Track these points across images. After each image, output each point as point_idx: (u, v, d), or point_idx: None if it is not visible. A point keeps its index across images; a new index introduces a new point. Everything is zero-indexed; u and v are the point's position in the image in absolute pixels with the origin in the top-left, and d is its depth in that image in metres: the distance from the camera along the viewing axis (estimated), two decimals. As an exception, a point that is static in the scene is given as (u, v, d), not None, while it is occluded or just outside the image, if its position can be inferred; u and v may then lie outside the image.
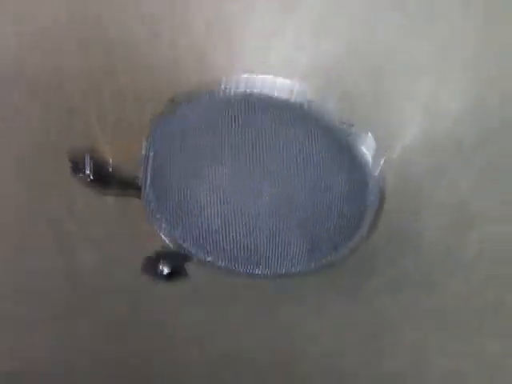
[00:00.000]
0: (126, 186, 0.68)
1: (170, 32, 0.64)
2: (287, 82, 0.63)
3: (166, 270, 0.69)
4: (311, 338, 0.94)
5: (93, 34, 0.66)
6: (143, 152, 0.66)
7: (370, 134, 0.63)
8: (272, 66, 0.63)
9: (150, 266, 0.70)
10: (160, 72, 0.66)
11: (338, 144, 0.63)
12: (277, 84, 0.62)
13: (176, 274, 0.71)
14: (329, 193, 0.65)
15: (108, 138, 0.70)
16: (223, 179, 0.65)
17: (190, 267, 0.72)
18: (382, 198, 0.66)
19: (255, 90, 0.62)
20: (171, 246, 0.71)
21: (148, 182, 0.66)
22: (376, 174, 0.64)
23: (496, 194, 0.68)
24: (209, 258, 0.70)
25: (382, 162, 0.64)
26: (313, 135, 0.63)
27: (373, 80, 0.62)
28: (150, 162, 0.66)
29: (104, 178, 0.67)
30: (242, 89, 0.62)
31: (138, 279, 0.74)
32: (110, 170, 0.68)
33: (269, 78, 0.62)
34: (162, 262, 0.69)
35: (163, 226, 0.69)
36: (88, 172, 0.66)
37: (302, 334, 0.94)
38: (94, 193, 0.70)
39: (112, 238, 0.83)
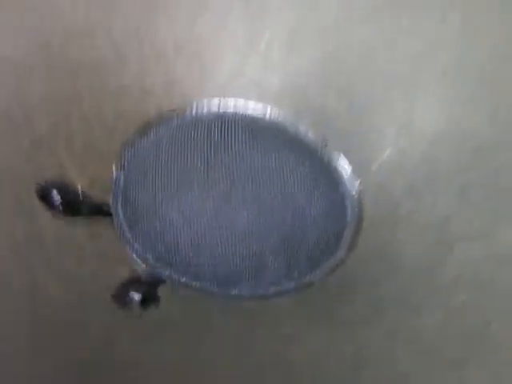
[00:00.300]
0: (97, 212, 0.66)
1: (139, 56, 0.63)
2: (260, 105, 0.62)
3: (137, 296, 0.67)
4: (288, 365, 0.91)
5: (58, 60, 0.65)
6: (113, 177, 0.64)
7: (342, 155, 0.63)
8: (244, 87, 0.63)
9: (122, 293, 0.68)
10: (129, 96, 0.65)
11: (313, 163, 0.62)
12: (249, 106, 0.62)
13: (149, 299, 0.68)
14: (306, 213, 0.63)
15: (77, 165, 0.68)
16: (197, 202, 0.64)
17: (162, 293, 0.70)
18: (359, 218, 0.65)
19: (228, 110, 0.61)
20: (144, 269, 0.69)
21: (119, 206, 0.64)
22: (353, 193, 0.63)
23: (475, 214, 0.67)
24: (183, 280, 0.68)
25: (358, 182, 0.63)
26: (288, 155, 0.62)
27: (347, 98, 0.62)
28: (120, 186, 0.64)
29: (74, 207, 0.66)
30: (214, 110, 0.62)
31: (109, 311, 0.72)
32: (80, 198, 0.66)
33: (241, 101, 0.62)
34: (133, 287, 0.67)
35: (136, 248, 0.67)
36: (57, 202, 0.65)
37: (280, 362, 0.91)
38: (63, 222, 0.68)
39: (82, 266, 0.80)
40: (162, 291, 0.72)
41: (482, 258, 0.70)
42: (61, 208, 0.65)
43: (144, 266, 0.68)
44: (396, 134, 0.63)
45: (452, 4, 0.58)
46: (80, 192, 0.66)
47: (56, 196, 0.65)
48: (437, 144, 0.63)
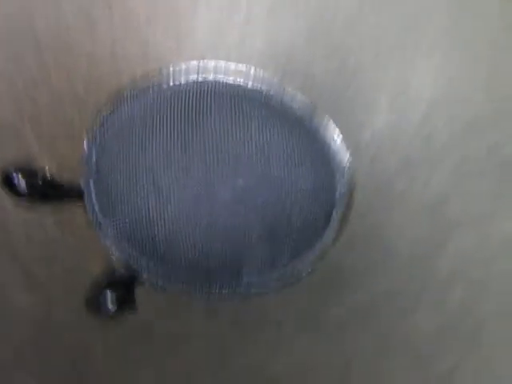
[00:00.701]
0: (67, 195, 0.60)
1: (109, 21, 0.58)
2: (242, 67, 0.57)
3: (113, 299, 0.60)
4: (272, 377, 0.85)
5: (20, 32, 0.60)
6: (84, 155, 0.58)
7: (332, 122, 0.58)
8: (224, 49, 0.58)
9: (95, 294, 0.61)
10: (99, 66, 0.60)
11: (300, 133, 0.57)
12: (231, 70, 0.57)
13: (125, 302, 0.62)
14: (292, 190, 0.58)
15: (44, 145, 0.62)
16: (174, 183, 0.58)
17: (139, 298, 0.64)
18: (350, 195, 0.59)
19: (208, 77, 0.56)
20: (119, 263, 0.62)
21: (91, 187, 0.58)
22: (343, 166, 0.58)
23: (472, 195, 0.63)
24: (160, 275, 0.62)
25: (348, 154, 0.58)
26: (273, 126, 0.57)
27: (336, 60, 0.58)
28: (91, 165, 0.58)
29: (41, 191, 0.59)
30: (192, 76, 0.57)
31: (81, 317, 0.65)
32: (48, 180, 0.60)
33: (222, 63, 0.57)
34: (108, 287, 0.61)
35: (109, 235, 0.61)
36: (21, 187, 0.59)
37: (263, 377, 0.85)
38: (29, 209, 0.61)
39: (51, 261, 0.73)
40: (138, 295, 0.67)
41: (478, 246, 0.66)
42: (26, 193, 0.58)
43: (118, 257, 0.62)
44: (388, 101, 0.59)
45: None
46: (48, 174, 0.60)
47: (20, 180, 0.58)
48: (431, 113, 0.59)
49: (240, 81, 0.57)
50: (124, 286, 0.62)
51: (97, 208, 0.59)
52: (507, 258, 0.64)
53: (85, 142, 0.58)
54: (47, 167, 0.61)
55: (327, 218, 0.59)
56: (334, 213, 0.59)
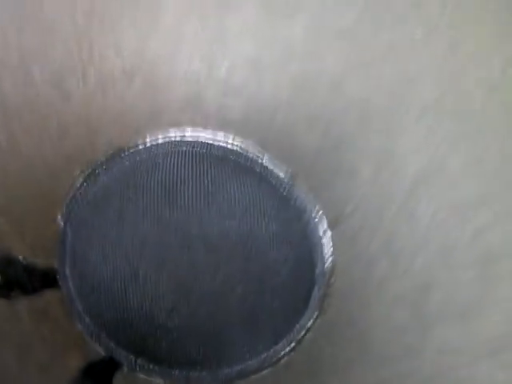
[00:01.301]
0: (43, 284, 0.56)
1: (82, 89, 0.56)
2: (220, 134, 0.55)
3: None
4: None
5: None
6: (59, 234, 0.55)
7: (313, 196, 0.55)
8: (203, 118, 0.56)
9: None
10: (74, 137, 0.57)
11: (280, 208, 0.55)
12: (208, 137, 0.55)
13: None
14: (273, 274, 0.55)
15: (15, 220, 0.59)
16: (152, 270, 0.55)
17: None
18: (329, 273, 0.56)
19: (184, 147, 0.54)
20: (98, 350, 0.59)
21: (66, 269, 0.55)
22: (322, 244, 0.56)
23: (455, 284, 0.61)
24: (139, 361, 0.58)
25: (329, 232, 0.56)
26: (253, 196, 0.55)
27: (318, 130, 0.56)
28: (66, 244, 0.55)
29: (17, 285, 0.55)
30: (169, 145, 0.54)
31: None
32: (23, 265, 0.56)
33: (199, 130, 0.54)
34: (87, 378, 0.57)
35: (87, 322, 0.57)
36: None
37: None
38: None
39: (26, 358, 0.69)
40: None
41: (464, 341, 0.63)
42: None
43: (97, 347, 0.58)
44: (372, 172, 0.57)
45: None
46: (22, 261, 0.56)
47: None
48: (415, 190, 0.57)
49: (218, 147, 0.54)
50: (103, 374, 0.59)
51: (73, 293, 0.56)
52: (495, 355, 0.60)
53: (59, 218, 0.55)
54: (21, 256, 0.57)
55: (307, 298, 0.57)
56: (315, 291, 0.56)
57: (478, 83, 0.55)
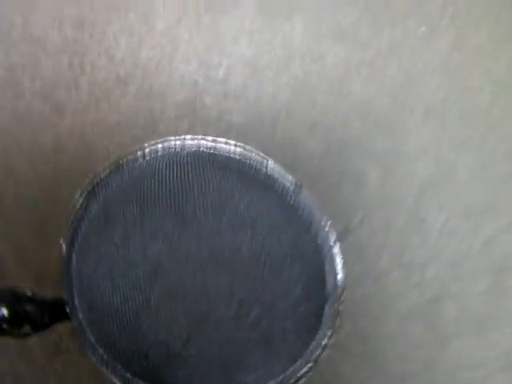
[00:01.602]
0: (52, 316, 0.54)
1: (76, 102, 0.53)
2: (221, 140, 0.53)
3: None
4: None
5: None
6: (63, 261, 0.52)
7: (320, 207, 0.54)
8: (203, 125, 0.54)
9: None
10: (69, 154, 0.55)
11: (290, 223, 0.53)
12: (208, 144, 0.52)
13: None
14: (286, 294, 0.53)
15: (17, 248, 0.56)
16: (164, 298, 0.52)
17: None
18: (341, 288, 0.55)
19: (187, 146, 0.52)
20: (115, 382, 0.56)
21: (75, 298, 0.52)
22: (332, 256, 0.54)
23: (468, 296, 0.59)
24: None
25: (337, 243, 0.54)
26: (253, 194, 0.53)
27: (321, 134, 0.54)
28: (71, 270, 0.52)
29: (25, 315, 0.52)
30: (171, 154, 0.52)
31: None
32: (31, 299, 0.53)
33: (199, 137, 0.52)
34: None
35: (101, 355, 0.55)
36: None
37: None
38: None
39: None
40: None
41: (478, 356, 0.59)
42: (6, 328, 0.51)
43: (111, 379, 0.55)
44: (379, 177, 0.55)
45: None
46: (28, 293, 0.53)
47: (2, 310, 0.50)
48: (424, 195, 0.55)
49: (219, 155, 0.52)
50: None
51: (84, 326, 0.53)
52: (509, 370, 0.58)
53: (61, 241, 0.52)
54: (28, 290, 0.54)
55: (319, 314, 0.55)
56: (327, 307, 0.55)
57: (483, 81, 0.54)
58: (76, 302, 0.51)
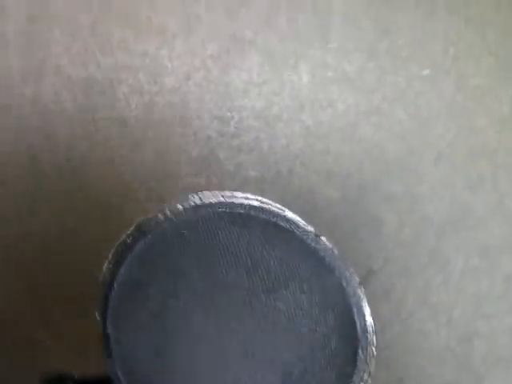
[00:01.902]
0: None
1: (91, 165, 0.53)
2: (238, 193, 0.53)
3: None
4: None
5: None
6: (102, 336, 0.51)
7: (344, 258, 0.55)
8: (218, 178, 0.55)
9: None
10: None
11: (319, 277, 0.54)
12: (226, 198, 0.53)
13: None
14: (318, 350, 0.54)
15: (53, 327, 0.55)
16: (208, 370, 0.52)
17: None
18: (371, 334, 0.55)
19: (207, 203, 0.52)
20: None
21: (119, 373, 0.51)
22: (360, 305, 0.54)
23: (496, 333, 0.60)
24: None
25: (362, 290, 0.54)
26: (277, 245, 0.53)
27: (338, 182, 0.55)
28: (111, 347, 0.51)
29: None
30: (198, 212, 0.52)
31: None
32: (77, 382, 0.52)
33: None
34: None
35: None
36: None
37: None
38: None
39: None
40: None
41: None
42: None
43: None
44: (398, 220, 0.57)
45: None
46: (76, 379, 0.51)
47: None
48: (443, 237, 0.56)
49: (236, 210, 0.53)
50: None
51: None
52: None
53: (96, 316, 0.51)
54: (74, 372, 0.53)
55: (353, 359, 0.54)
56: (360, 350, 0.55)
57: (488, 121, 0.56)
58: (119, 374, 0.50)
